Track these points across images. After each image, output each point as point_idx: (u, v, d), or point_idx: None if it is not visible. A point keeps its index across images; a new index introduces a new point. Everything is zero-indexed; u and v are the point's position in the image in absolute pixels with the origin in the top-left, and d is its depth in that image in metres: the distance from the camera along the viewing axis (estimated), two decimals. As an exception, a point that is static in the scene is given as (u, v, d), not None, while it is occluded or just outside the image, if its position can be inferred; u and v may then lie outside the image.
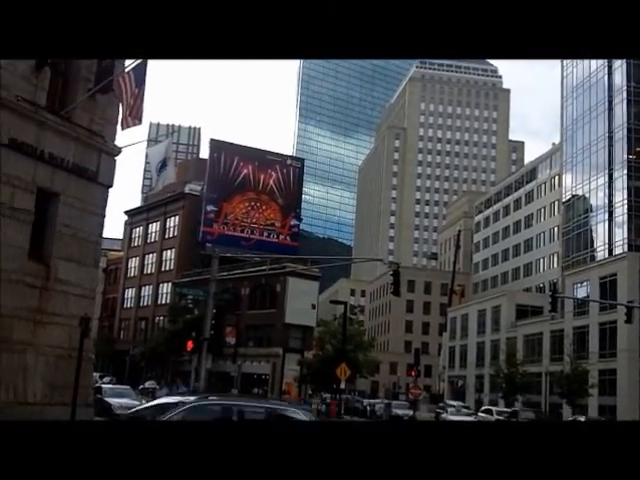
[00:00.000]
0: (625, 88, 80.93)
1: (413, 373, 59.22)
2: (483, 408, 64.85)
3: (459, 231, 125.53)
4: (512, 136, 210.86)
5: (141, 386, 47.89)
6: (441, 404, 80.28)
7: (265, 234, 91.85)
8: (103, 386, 40.81)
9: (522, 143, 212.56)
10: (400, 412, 59.96)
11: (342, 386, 59.82)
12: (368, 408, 68.99)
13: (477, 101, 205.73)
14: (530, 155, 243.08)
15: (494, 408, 62.73)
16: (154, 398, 28.79)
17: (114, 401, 35.51)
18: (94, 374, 36.86)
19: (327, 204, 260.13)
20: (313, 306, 74.96)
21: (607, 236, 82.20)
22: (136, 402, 31.88)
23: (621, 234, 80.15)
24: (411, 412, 56.91)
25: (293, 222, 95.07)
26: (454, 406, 66.79)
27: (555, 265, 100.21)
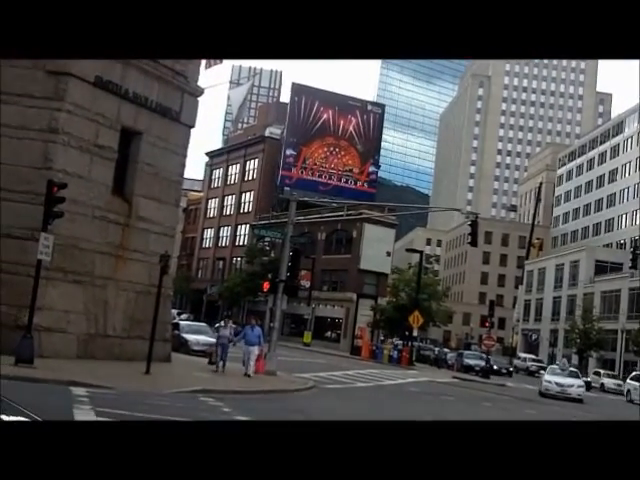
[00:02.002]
0: None
1: (487, 324, 58.82)
2: (634, 374, 51.98)
3: (540, 183, 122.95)
4: (600, 88, 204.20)
5: (217, 324, 48.91)
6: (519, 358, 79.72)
7: (343, 180, 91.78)
8: (181, 322, 41.78)
9: (610, 95, 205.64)
10: (472, 362, 59.75)
11: (414, 334, 60.02)
12: (440, 357, 69.07)
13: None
14: (618, 108, 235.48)
15: None
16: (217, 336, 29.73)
17: (191, 337, 36.39)
18: (172, 311, 37.72)
19: (406, 152, 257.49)
20: (388, 253, 74.88)
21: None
22: (212, 339, 32.58)
23: None
24: (483, 363, 56.66)
25: (371, 169, 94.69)
26: (558, 365, 50.03)
27: (638, 222, 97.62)
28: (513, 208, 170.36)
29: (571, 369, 45.36)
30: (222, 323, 36.22)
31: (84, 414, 14.17)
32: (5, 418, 3.84)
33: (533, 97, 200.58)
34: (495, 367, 59.09)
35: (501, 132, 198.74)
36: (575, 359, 75.51)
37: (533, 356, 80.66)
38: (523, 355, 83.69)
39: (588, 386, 52.48)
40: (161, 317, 26.09)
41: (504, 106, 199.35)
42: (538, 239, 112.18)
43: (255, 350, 27.69)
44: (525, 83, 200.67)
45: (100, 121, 26.00)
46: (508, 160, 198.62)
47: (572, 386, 40.36)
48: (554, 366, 48.50)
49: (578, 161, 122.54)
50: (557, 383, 40.48)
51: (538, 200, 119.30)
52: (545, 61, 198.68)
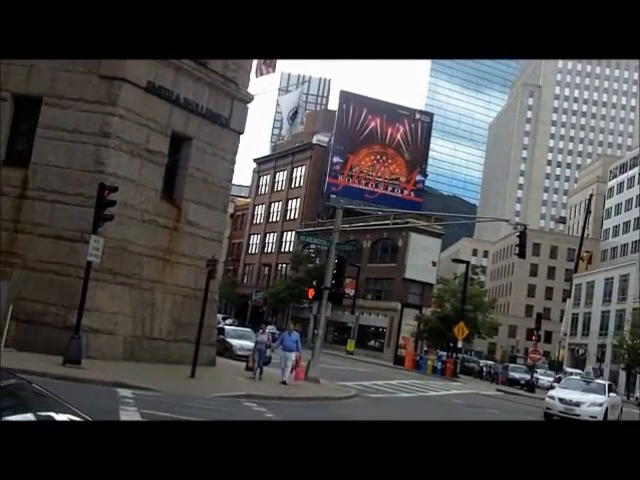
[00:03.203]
0: None
1: (533, 337, 58.17)
2: None
3: (590, 195, 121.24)
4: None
5: (260, 330, 49.14)
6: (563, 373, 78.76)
7: (389, 188, 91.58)
8: (226, 327, 41.99)
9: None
10: (517, 375, 59.23)
11: (459, 345, 59.53)
12: (484, 369, 68.46)
13: (617, 61, 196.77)
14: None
15: None
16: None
17: (235, 342, 36.56)
18: (218, 315, 37.94)
19: (454, 161, 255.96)
20: (434, 263, 74.47)
21: None
22: (255, 345, 32.71)
23: None
24: (528, 376, 56.11)
25: (418, 177, 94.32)
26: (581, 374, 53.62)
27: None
28: (562, 220, 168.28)
29: (598, 381, 35.77)
30: (271, 328, 36.23)
31: (129, 415, 14.32)
32: (55, 416, 3.90)
33: (584, 108, 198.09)
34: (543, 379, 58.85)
35: (551, 142, 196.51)
36: (623, 375, 74.22)
37: (579, 371, 79.45)
38: (569, 370, 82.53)
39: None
40: (207, 321, 26.27)
41: (554, 116, 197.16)
42: (587, 252, 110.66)
43: (292, 356, 27.01)
44: (576, 93, 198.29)
45: (151, 126, 26.33)
46: (558, 171, 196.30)
47: (583, 404, 28.96)
48: (573, 377, 40.82)
49: (630, 173, 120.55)
50: (561, 399, 29.76)
51: (588, 212, 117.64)
52: (597, 71, 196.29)
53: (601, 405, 29.04)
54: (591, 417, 27.39)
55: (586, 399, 29.22)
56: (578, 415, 27.91)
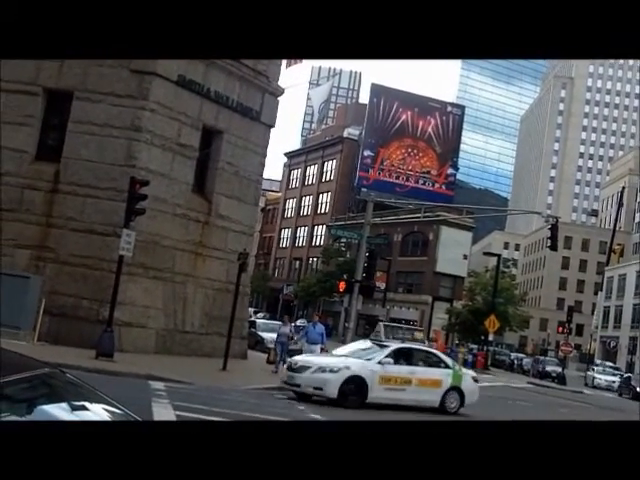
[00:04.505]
0: None
1: (565, 330, 57.77)
2: None
3: (623, 188, 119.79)
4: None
5: (293, 324, 49.15)
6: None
7: (420, 182, 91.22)
8: (257, 321, 42.13)
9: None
10: (548, 369, 58.89)
11: (490, 338, 59.30)
12: (515, 362, 68.09)
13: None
14: None
15: None
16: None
17: (267, 335, 36.64)
18: (249, 309, 38.05)
19: (485, 154, 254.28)
20: (465, 256, 74.16)
21: None
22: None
23: None
24: (559, 369, 55.76)
25: (450, 171, 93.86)
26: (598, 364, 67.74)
27: None
28: (594, 213, 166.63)
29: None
30: (302, 322, 35.83)
31: (162, 408, 14.40)
32: (89, 405, 3.91)
33: (617, 99, 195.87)
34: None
35: (583, 135, 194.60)
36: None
37: (611, 364, 78.74)
38: (601, 362, 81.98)
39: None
40: (238, 314, 26.35)
41: (587, 108, 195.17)
42: (619, 245, 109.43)
43: (317, 349, 25.66)
44: (609, 85, 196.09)
45: (182, 120, 26.43)
46: (590, 164, 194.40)
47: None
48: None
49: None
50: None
51: (620, 205, 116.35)
52: (630, 62, 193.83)
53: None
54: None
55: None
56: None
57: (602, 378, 53.19)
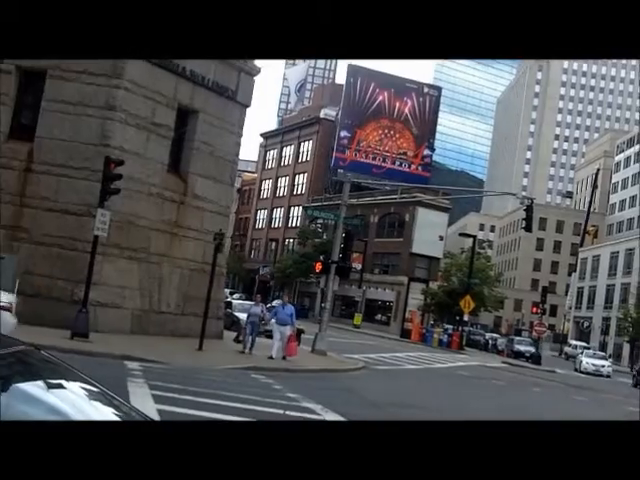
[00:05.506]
0: None
1: (538, 311, 58.32)
2: None
3: (597, 170, 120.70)
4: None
5: (269, 304, 49.12)
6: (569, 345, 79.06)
7: (397, 163, 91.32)
8: (233, 301, 42.07)
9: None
10: (522, 348, 59.49)
11: (465, 318, 59.73)
12: (490, 342, 68.68)
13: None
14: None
15: None
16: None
17: (243, 316, 36.61)
18: (225, 290, 38.00)
19: (462, 135, 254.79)
20: (441, 237, 74.49)
21: None
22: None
23: None
24: (533, 349, 56.35)
25: (426, 152, 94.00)
26: (589, 349, 65.99)
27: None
28: (569, 194, 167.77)
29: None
30: (278, 302, 35.44)
31: (138, 387, 14.39)
32: (66, 383, 3.89)
33: (593, 82, 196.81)
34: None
35: (559, 117, 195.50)
36: (627, 348, 74.37)
37: (584, 344, 79.64)
38: (574, 343, 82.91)
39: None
40: (214, 295, 26.31)
41: (563, 90, 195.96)
42: (593, 226, 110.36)
43: (286, 330, 25.15)
44: (585, 67, 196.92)
45: (157, 99, 26.22)
46: (565, 146, 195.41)
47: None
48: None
49: (637, 147, 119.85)
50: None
51: (595, 187, 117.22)
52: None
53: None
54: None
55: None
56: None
57: (590, 362, 53.00)
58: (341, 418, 14.12)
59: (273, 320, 26.27)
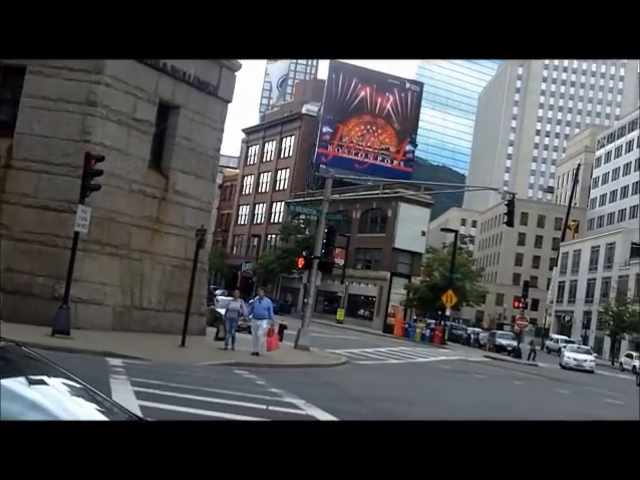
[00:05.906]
0: None
1: (520, 305, 58.62)
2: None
3: (578, 165, 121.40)
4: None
5: (251, 300, 48.95)
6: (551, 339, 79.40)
7: (379, 158, 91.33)
8: (218, 297, 42.04)
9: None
10: (504, 342, 59.78)
11: (447, 313, 59.94)
12: (472, 336, 68.94)
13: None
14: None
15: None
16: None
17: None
18: (207, 286, 37.89)
19: (444, 131, 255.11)
20: (423, 233, 74.62)
21: None
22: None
23: None
24: (515, 343, 56.60)
25: (408, 147, 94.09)
26: (573, 342, 66.18)
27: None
28: (550, 189, 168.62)
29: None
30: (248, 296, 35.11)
31: (120, 384, 14.34)
32: (47, 379, 3.86)
33: (573, 77, 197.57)
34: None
35: (540, 112, 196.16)
36: (607, 341, 74.79)
37: (566, 337, 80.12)
38: (556, 336, 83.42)
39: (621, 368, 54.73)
40: (196, 291, 26.24)
41: (544, 86, 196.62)
42: (574, 221, 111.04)
43: (264, 324, 24.87)
44: (566, 63, 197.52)
45: (138, 95, 26.10)
46: (546, 141, 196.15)
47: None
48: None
49: (617, 143, 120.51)
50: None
51: (576, 182, 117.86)
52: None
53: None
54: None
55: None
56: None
57: (571, 357, 51.63)
58: (324, 413, 14.13)
59: (250, 315, 25.96)
